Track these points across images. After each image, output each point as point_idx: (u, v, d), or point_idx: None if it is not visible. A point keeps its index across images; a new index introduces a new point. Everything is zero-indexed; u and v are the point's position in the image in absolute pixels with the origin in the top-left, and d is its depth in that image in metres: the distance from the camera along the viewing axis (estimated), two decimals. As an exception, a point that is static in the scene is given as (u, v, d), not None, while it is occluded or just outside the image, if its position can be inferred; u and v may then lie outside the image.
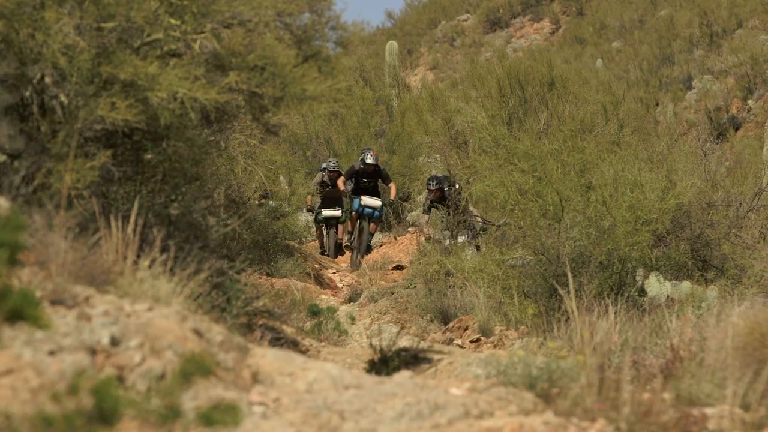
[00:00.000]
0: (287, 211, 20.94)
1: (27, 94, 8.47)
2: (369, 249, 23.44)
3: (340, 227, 24.29)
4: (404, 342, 11.56)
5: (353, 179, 23.20)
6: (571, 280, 7.18)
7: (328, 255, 23.74)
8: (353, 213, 23.16)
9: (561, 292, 7.82)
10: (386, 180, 23.26)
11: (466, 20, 54.63)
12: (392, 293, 17.71)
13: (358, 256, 22.73)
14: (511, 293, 14.82)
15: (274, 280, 16.57)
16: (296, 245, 22.66)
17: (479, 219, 21.26)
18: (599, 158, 15.16)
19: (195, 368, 4.24)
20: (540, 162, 15.24)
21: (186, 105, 8.51)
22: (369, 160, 22.95)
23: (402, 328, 14.96)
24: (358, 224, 23.10)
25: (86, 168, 8.30)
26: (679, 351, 7.67)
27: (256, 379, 6.54)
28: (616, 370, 6.62)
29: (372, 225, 23.17)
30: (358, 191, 23.24)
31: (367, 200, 22.95)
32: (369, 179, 23.12)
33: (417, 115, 29.10)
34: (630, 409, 6.29)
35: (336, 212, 23.80)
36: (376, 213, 23.16)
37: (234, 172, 10.77)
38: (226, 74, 8.89)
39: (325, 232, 24.29)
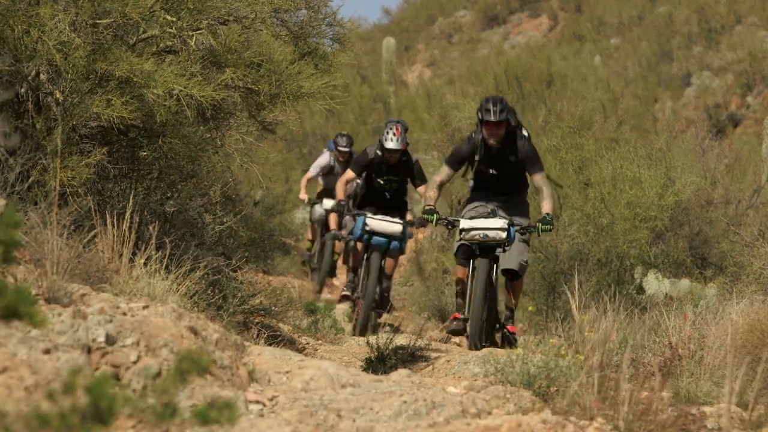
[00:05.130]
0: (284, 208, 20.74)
1: (22, 90, 8.44)
2: (385, 302, 13.79)
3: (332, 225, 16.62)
4: (401, 340, 11.54)
5: (364, 175, 14.04)
6: (576, 279, 7.17)
7: (308, 266, 17.49)
8: (355, 243, 14.08)
9: (566, 290, 7.79)
10: (418, 181, 13.83)
11: (463, 17, 54.61)
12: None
13: (371, 316, 13.47)
14: (509, 291, 14.78)
15: (270, 278, 16.53)
16: (293, 243, 22.63)
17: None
18: (598, 155, 15.15)
19: (191, 366, 4.21)
20: (538, 159, 15.21)
21: (182, 102, 8.48)
22: (391, 144, 13.59)
23: (399, 326, 14.93)
24: (364, 260, 13.82)
25: (81, 165, 8.27)
26: (677, 349, 7.64)
27: (252, 377, 6.51)
28: (615, 368, 6.59)
29: (389, 261, 13.70)
30: (367, 201, 14.11)
31: (376, 223, 13.55)
32: (390, 178, 13.91)
33: (414, 112, 29.09)
34: (628, 407, 6.26)
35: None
36: (395, 243, 13.56)
37: (230, 169, 10.74)
38: (223, 71, 8.86)
39: (318, 231, 17.97)
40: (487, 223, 10.54)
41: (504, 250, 10.60)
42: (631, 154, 14.97)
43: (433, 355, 10.02)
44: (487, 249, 10.55)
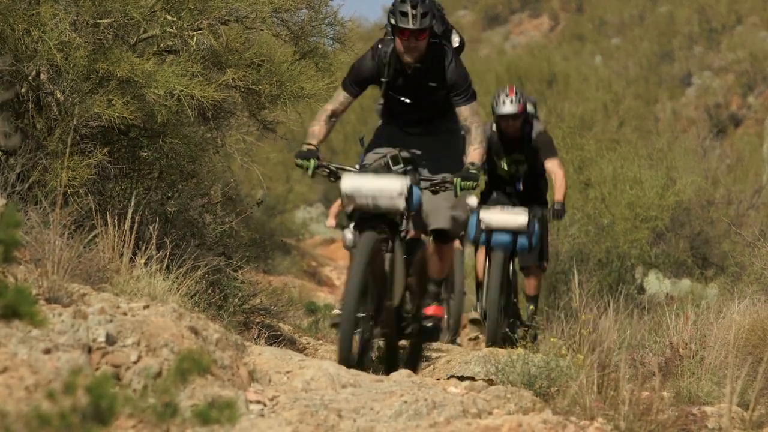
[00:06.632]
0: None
1: (23, 90, 8.44)
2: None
3: None
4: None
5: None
6: (576, 278, 7.17)
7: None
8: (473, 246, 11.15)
9: (570, 290, 7.78)
10: (548, 154, 10.57)
11: (464, 17, 54.61)
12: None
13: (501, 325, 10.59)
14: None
15: (271, 278, 16.53)
16: (294, 243, 22.63)
17: None
18: (598, 155, 15.15)
19: (191, 366, 4.21)
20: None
21: (183, 102, 8.48)
22: (506, 109, 10.46)
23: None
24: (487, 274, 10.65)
25: (82, 165, 8.27)
26: (678, 349, 7.64)
27: (253, 377, 6.51)
28: (615, 368, 6.59)
29: (531, 281, 11.07)
30: (491, 188, 11.06)
31: (496, 216, 10.63)
32: (512, 153, 10.72)
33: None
34: (629, 407, 6.26)
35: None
36: (523, 242, 10.55)
37: (231, 169, 10.73)
38: (223, 71, 8.86)
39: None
40: (378, 184, 7.31)
41: (405, 220, 7.41)
42: (632, 154, 14.98)
43: (434, 355, 10.01)
44: (377, 219, 7.33)
